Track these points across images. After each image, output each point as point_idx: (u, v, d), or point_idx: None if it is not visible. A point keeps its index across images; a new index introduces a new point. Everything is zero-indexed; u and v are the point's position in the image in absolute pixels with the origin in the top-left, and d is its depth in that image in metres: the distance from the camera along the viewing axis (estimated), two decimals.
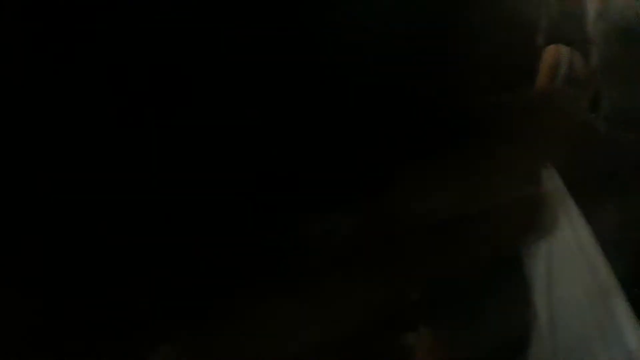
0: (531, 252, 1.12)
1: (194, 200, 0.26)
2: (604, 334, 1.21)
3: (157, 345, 0.30)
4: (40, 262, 0.26)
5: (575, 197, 1.33)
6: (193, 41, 0.26)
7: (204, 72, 0.26)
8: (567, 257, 1.20)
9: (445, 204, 0.32)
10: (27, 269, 0.26)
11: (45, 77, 0.25)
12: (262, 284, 0.30)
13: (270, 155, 0.27)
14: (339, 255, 0.31)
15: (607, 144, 1.91)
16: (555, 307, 1.15)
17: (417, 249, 0.33)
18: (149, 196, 0.26)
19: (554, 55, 2.04)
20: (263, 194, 0.28)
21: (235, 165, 0.27)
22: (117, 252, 0.27)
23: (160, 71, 0.25)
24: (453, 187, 0.32)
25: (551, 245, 1.17)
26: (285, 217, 0.29)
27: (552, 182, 1.23)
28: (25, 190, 0.25)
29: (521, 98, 0.35)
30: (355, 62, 0.27)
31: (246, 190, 0.27)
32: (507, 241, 0.38)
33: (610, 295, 1.25)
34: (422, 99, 0.30)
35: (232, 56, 0.26)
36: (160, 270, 0.28)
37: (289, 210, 0.29)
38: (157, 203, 0.27)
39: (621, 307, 1.27)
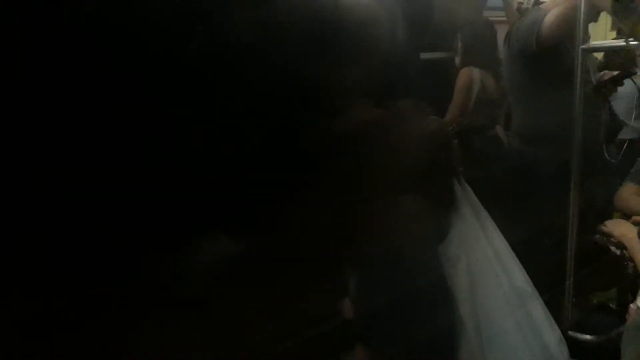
0: (453, 264, 1.18)
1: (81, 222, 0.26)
2: (525, 334, 1.29)
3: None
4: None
5: (489, 208, 1.42)
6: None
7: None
8: (486, 266, 1.27)
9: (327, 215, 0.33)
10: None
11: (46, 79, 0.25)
12: (163, 314, 0.29)
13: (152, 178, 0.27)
14: (242, 276, 0.31)
15: (518, 157, 2.05)
16: (479, 312, 1.22)
17: (321, 261, 0.34)
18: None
19: (467, 77, 2.18)
20: (147, 218, 0.27)
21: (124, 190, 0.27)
22: None
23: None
24: (331, 201, 0.34)
25: (470, 257, 1.25)
26: (174, 239, 0.29)
27: (464, 193, 1.31)
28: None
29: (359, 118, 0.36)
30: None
31: (131, 215, 0.27)
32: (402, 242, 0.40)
33: (527, 298, 1.33)
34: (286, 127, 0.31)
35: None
36: None
37: (175, 233, 0.28)
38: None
39: (538, 309, 1.35)
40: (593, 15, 1.76)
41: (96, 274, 0.29)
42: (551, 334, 1.37)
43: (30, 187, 0.27)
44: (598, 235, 1.64)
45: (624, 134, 2.40)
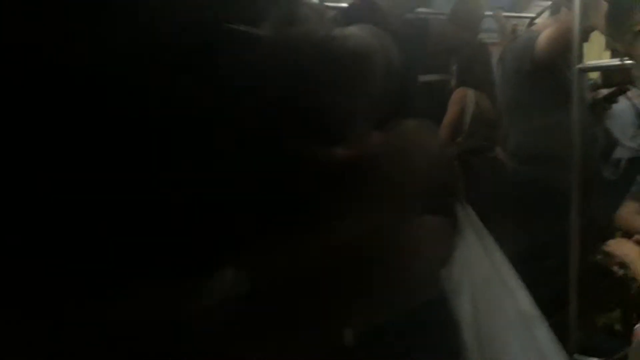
0: (455, 287, 1.16)
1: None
2: (530, 358, 1.25)
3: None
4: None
5: (489, 228, 1.40)
6: None
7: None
8: (489, 289, 1.25)
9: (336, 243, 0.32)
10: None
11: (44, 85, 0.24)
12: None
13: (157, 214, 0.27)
14: (246, 313, 0.30)
15: (515, 178, 2.04)
16: (482, 336, 1.19)
17: (328, 289, 0.33)
18: None
19: (460, 95, 2.18)
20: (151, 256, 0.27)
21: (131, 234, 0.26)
22: None
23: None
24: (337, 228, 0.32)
25: (473, 280, 1.22)
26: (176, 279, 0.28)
27: (467, 215, 1.29)
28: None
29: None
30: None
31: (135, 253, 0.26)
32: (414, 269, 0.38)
33: (532, 322, 1.30)
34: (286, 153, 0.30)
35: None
36: None
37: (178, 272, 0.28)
38: None
39: (543, 332, 1.32)
40: (584, 35, 1.78)
41: (98, 302, 0.28)
42: (557, 358, 1.34)
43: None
44: (600, 256, 1.62)
45: (619, 153, 2.40)
